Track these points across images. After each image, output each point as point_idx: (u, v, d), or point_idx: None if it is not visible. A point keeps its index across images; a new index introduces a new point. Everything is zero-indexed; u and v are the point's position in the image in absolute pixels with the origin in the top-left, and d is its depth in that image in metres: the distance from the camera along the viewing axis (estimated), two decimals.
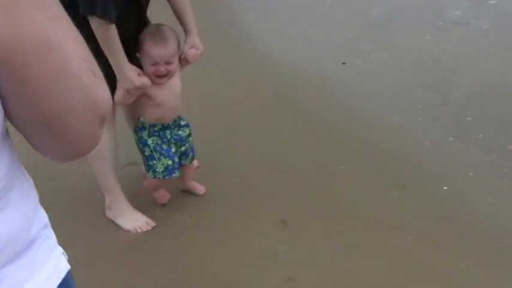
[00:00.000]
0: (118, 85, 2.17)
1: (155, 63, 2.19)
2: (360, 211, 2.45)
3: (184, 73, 2.41)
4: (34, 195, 0.94)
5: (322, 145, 2.97)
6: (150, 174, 2.43)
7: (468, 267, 2.10)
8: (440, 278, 2.06)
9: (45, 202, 0.93)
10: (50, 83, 0.78)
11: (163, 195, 2.56)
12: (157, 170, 2.39)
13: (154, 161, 2.38)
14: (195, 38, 2.35)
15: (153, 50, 2.17)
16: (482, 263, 2.12)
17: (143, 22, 2.29)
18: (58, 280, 0.94)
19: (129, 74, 2.14)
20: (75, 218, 2.49)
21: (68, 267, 0.99)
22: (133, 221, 2.42)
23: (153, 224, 2.42)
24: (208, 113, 3.26)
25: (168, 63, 2.19)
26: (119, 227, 2.41)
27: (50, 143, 0.87)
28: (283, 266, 2.16)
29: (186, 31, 2.35)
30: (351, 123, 3.15)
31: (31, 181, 0.93)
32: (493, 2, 4.68)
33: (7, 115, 0.79)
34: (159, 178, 2.39)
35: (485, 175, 2.64)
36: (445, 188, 2.56)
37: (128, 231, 2.40)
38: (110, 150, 2.36)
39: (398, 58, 3.86)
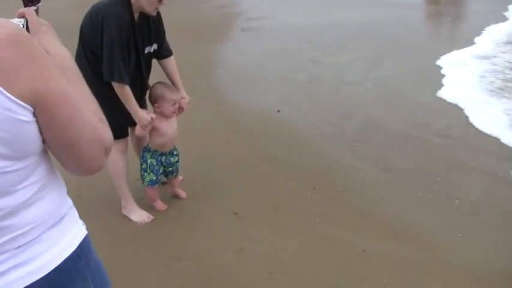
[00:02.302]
0: (137, 124, 2.90)
1: (174, 103, 3.00)
2: (287, 205, 3.34)
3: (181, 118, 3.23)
4: (63, 188, 1.17)
5: (264, 162, 3.88)
6: (141, 180, 3.20)
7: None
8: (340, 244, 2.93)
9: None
10: (67, 121, 1.00)
11: (161, 205, 3.27)
12: (145, 179, 3.17)
13: (146, 173, 3.15)
14: (183, 93, 3.12)
15: (173, 95, 2.99)
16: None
17: (145, 87, 3.05)
18: (79, 240, 1.16)
19: (142, 114, 2.86)
20: (104, 214, 3.25)
21: (85, 232, 1.20)
22: (139, 216, 3.17)
23: (152, 217, 3.19)
24: (193, 144, 4.06)
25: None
26: (130, 219, 3.19)
27: (70, 162, 1.08)
28: (236, 242, 2.95)
29: (176, 88, 3.09)
30: (282, 144, 4.18)
31: (62, 180, 1.17)
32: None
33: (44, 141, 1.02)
34: (145, 185, 3.18)
35: (371, 178, 3.65)
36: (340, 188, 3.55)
37: (136, 222, 3.17)
38: (124, 170, 3.10)
39: (315, 107, 5.00)
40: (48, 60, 0.98)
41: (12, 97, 0.91)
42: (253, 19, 8.86)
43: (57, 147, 1.04)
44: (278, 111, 4.86)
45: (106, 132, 1.10)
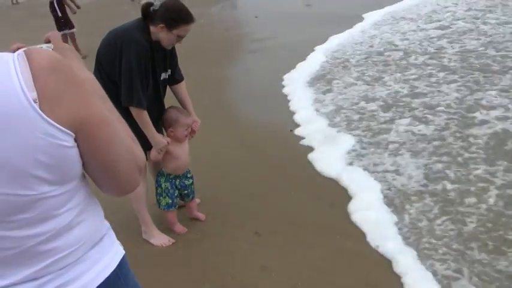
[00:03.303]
0: (153, 148, 2.91)
1: (187, 128, 3.05)
2: (306, 221, 3.33)
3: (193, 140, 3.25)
4: (101, 211, 1.21)
5: (280, 180, 3.90)
6: (157, 204, 3.23)
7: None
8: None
9: None
10: (108, 143, 1.03)
11: (180, 229, 3.30)
12: (161, 203, 3.21)
13: (161, 197, 3.19)
14: (194, 116, 3.15)
15: (187, 120, 3.03)
16: None
17: (162, 112, 3.05)
18: (118, 260, 1.21)
19: (159, 139, 2.92)
20: (124, 239, 3.18)
21: (123, 252, 1.25)
22: (160, 239, 3.18)
23: (173, 240, 3.19)
24: (208, 165, 4.10)
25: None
26: (151, 243, 3.20)
27: (107, 183, 1.10)
28: (259, 260, 2.96)
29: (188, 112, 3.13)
30: (296, 162, 4.22)
31: (99, 204, 1.20)
32: None
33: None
34: (162, 209, 3.20)
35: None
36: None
37: (156, 246, 3.18)
38: (143, 194, 3.09)
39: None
40: (87, 85, 1.02)
41: (55, 123, 0.93)
42: (258, 40, 8.98)
43: (96, 169, 1.06)
44: (290, 130, 4.89)
45: (139, 151, 1.13)
